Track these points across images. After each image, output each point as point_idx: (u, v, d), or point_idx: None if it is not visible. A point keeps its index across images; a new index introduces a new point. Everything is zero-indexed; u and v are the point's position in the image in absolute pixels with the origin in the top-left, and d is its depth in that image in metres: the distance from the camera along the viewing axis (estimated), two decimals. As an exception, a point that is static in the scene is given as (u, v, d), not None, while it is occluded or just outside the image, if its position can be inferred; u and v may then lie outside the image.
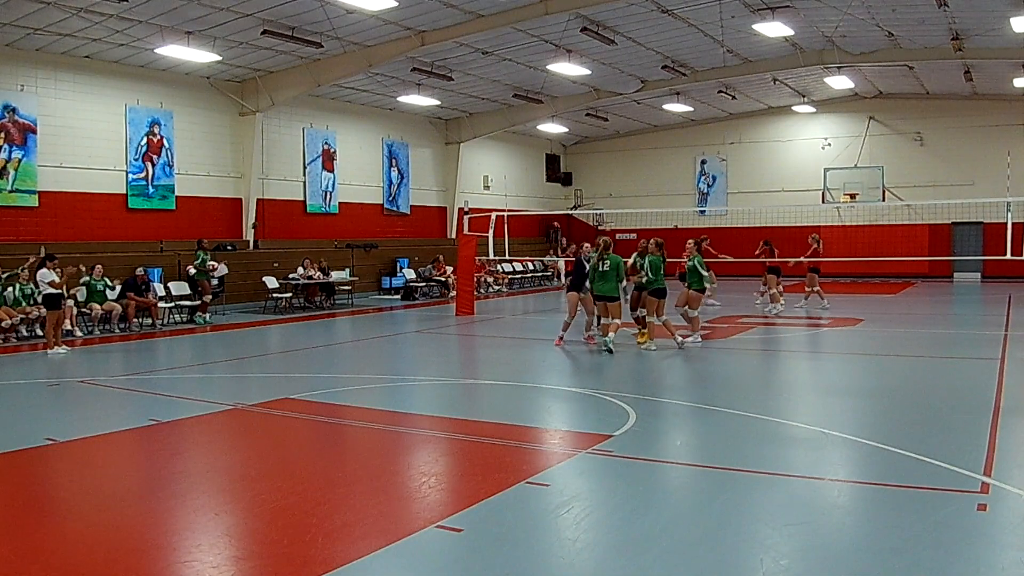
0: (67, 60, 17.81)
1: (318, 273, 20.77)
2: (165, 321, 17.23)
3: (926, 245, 27.81)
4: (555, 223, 33.78)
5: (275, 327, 17.27)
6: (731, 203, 31.32)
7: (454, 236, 26.87)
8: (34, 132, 17.25)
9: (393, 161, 26.90)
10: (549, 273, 30.27)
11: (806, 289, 19.04)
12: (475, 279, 20.41)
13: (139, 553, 4.71)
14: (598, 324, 13.23)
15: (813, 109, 30.08)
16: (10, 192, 16.89)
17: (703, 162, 32.81)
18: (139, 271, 16.78)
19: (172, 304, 17.68)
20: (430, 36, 18.57)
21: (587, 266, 13.13)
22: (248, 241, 21.80)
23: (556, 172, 35.49)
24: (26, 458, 6.83)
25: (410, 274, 24.72)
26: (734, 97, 27.76)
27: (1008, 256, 15.09)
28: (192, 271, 17.71)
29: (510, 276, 28.14)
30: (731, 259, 18.90)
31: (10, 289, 14.56)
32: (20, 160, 17.02)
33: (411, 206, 27.71)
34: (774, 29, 18.67)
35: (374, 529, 5.06)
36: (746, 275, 20.70)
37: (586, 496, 5.72)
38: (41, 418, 8.61)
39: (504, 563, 4.48)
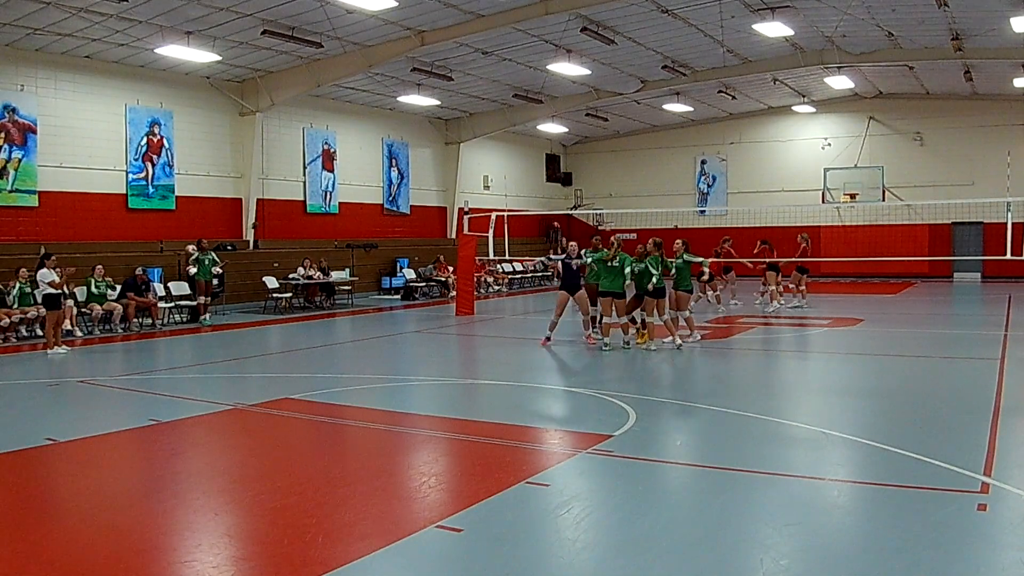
0: (67, 60, 17.81)
1: (318, 273, 20.78)
2: (165, 321, 17.23)
3: (926, 245, 27.79)
4: (555, 223, 33.74)
5: (275, 327, 17.27)
6: (731, 203, 31.30)
7: (454, 236, 26.88)
8: (34, 132, 17.24)
9: (393, 161, 26.89)
10: (549, 273, 30.25)
11: (793, 288, 19.10)
12: (475, 279, 20.41)
13: (139, 553, 4.71)
14: (596, 324, 13.26)
15: (813, 109, 30.06)
16: (10, 192, 16.88)
17: (703, 162, 32.80)
18: (139, 271, 16.79)
19: (172, 304, 17.69)
20: (430, 36, 18.57)
21: (574, 266, 13.30)
22: (248, 241, 21.80)
23: (556, 172, 35.46)
24: (26, 458, 6.83)
25: (410, 274, 24.72)
26: (734, 97, 27.75)
27: (1008, 256, 15.08)
28: (193, 271, 17.49)
29: (510, 276, 28.14)
30: (750, 263, 18.83)
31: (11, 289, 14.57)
32: (20, 160, 17.02)
33: (411, 206, 27.71)
34: (774, 29, 18.67)
35: (374, 529, 5.05)
36: (746, 275, 20.71)
37: (586, 496, 5.72)
38: (41, 418, 8.60)
39: (504, 563, 4.47)
